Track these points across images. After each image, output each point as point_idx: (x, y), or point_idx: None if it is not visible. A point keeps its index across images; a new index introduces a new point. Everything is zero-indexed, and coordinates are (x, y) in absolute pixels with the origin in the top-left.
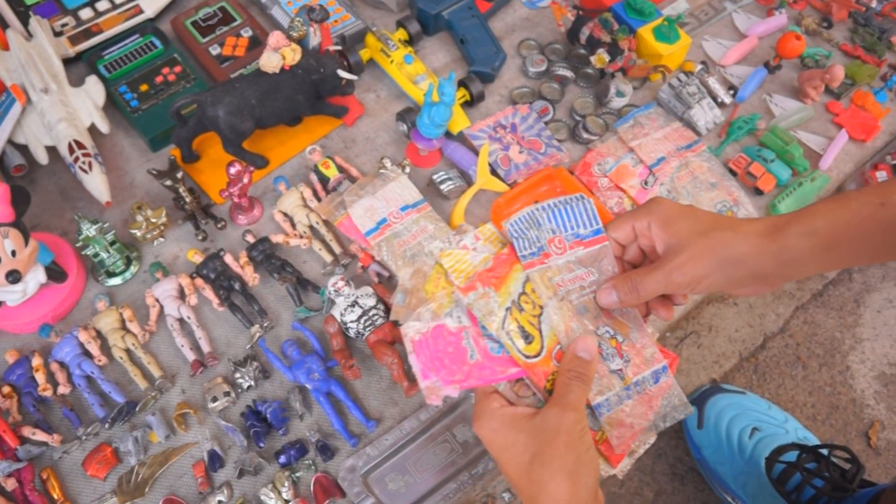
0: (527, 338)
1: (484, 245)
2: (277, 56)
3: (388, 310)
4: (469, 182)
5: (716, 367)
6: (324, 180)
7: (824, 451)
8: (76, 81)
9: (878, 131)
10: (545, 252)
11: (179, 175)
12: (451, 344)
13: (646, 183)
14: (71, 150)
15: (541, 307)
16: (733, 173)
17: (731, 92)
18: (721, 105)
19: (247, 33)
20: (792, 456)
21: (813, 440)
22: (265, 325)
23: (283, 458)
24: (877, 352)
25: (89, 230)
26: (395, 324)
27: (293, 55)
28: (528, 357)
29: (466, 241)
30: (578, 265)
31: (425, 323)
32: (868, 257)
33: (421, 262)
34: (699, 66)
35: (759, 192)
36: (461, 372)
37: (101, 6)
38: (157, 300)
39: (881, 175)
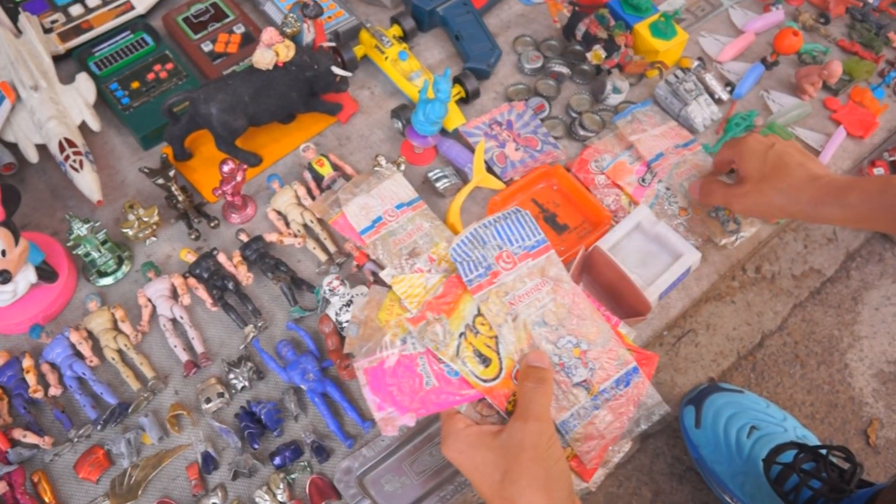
0: (484, 361)
1: (439, 266)
2: (271, 52)
3: None
4: (465, 180)
5: (713, 366)
6: (318, 178)
7: (822, 452)
8: (66, 79)
9: (876, 128)
10: (493, 271)
11: (171, 173)
12: (405, 371)
13: (643, 180)
14: (61, 149)
15: (498, 327)
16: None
17: (729, 88)
18: (718, 102)
19: (239, 30)
20: (789, 456)
21: (812, 439)
22: (259, 325)
23: (277, 460)
24: (875, 350)
25: (80, 229)
26: (350, 356)
27: (287, 52)
28: (486, 381)
29: (420, 264)
30: (529, 278)
31: (378, 353)
32: (885, 229)
33: (373, 290)
34: (696, 63)
35: None
36: (417, 399)
37: (92, 2)
38: (150, 300)
39: (878, 172)
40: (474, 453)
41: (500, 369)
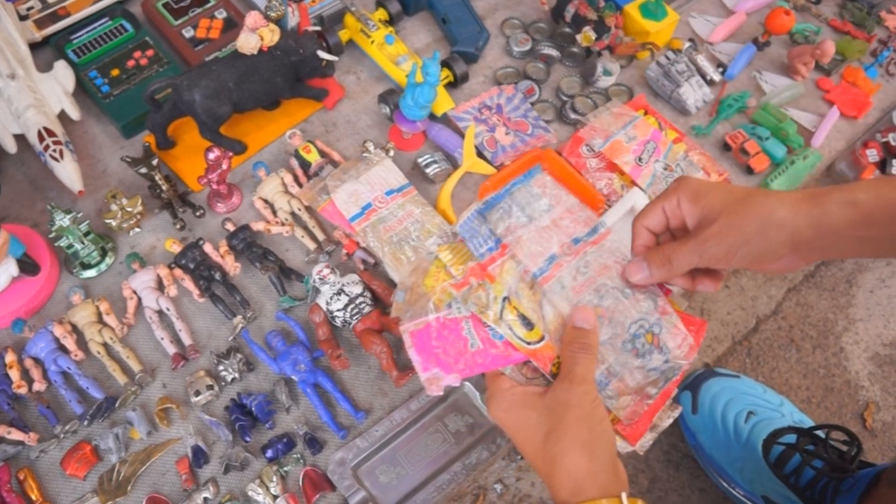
0: (528, 324)
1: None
2: (255, 37)
3: (375, 297)
4: (455, 165)
5: (709, 352)
6: (305, 165)
7: (821, 434)
8: (44, 67)
9: (870, 107)
10: (503, 244)
11: (155, 162)
12: (450, 333)
13: (640, 159)
14: (41, 138)
15: (541, 291)
16: (727, 148)
17: (720, 69)
18: (710, 83)
19: (221, 15)
20: (790, 439)
21: (809, 423)
22: (248, 315)
23: (270, 453)
24: (870, 332)
25: (62, 220)
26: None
27: (271, 36)
28: (530, 343)
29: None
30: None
31: (423, 317)
32: None
33: (419, 258)
34: (687, 44)
35: (750, 170)
36: (462, 360)
37: None
38: (135, 292)
39: (871, 154)
40: (518, 413)
41: (545, 332)
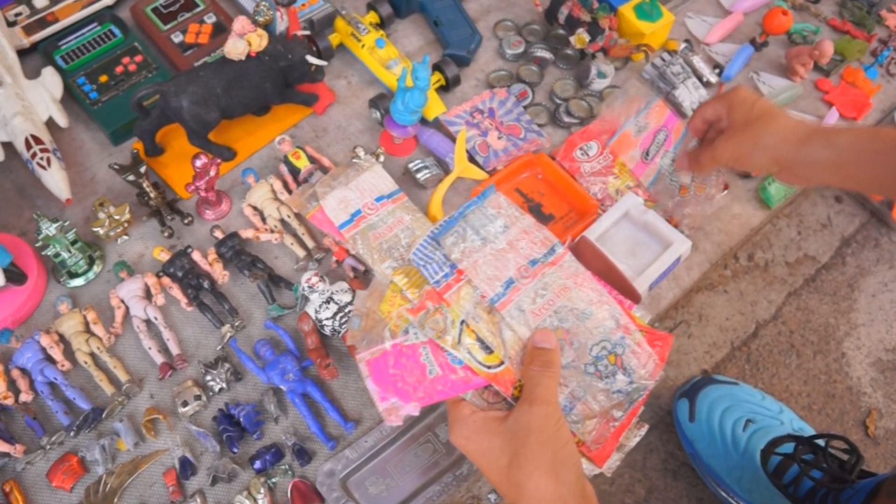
0: (487, 348)
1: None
2: (243, 42)
3: None
4: (446, 170)
5: (707, 358)
6: (294, 172)
7: (821, 442)
8: (32, 73)
9: (870, 109)
10: (459, 269)
11: (143, 169)
12: (408, 360)
13: (647, 154)
14: (28, 146)
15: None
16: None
17: (717, 71)
18: (707, 85)
19: (210, 19)
20: (788, 448)
21: (809, 431)
22: (236, 324)
23: (258, 464)
24: (872, 337)
25: (49, 229)
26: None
27: (259, 41)
28: (490, 367)
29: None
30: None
31: (380, 345)
32: (869, 184)
33: (375, 282)
34: (683, 45)
35: (746, 174)
36: (421, 388)
37: None
38: (123, 301)
39: None
40: (481, 439)
41: (505, 356)
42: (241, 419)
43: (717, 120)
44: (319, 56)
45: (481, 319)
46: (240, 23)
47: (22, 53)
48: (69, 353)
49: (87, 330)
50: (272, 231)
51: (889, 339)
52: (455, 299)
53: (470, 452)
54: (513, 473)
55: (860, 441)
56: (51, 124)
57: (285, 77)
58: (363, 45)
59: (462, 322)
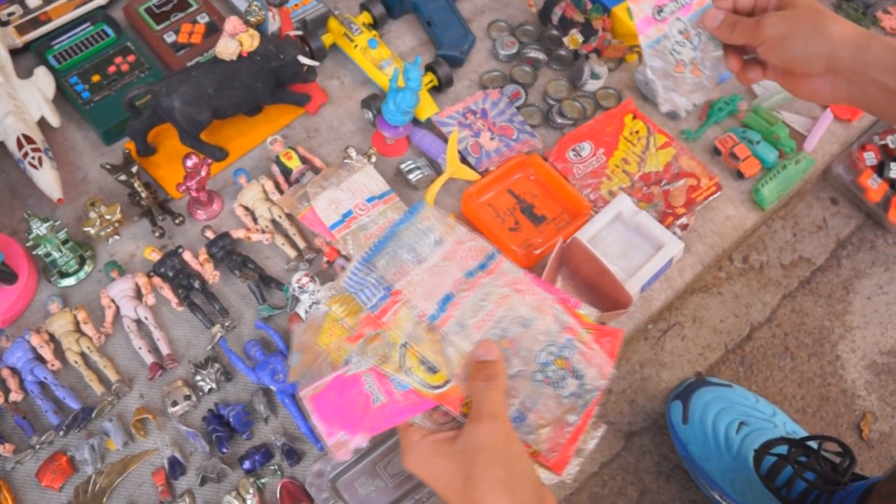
0: (432, 368)
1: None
2: (234, 42)
3: None
4: (438, 171)
5: (701, 360)
6: (286, 172)
7: (814, 445)
8: (24, 73)
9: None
10: (395, 291)
11: (134, 169)
12: (352, 391)
13: (660, 10)
14: (20, 146)
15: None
16: (717, 152)
17: None
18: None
19: (203, 19)
20: (781, 450)
21: (802, 434)
22: (227, 324)
23: (247, 464)
24: (867, 340)
25: (40, 229)
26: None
27: (251, 41)
28: (436, 388)
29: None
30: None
31: (322, 379)
32: None
33: (311, 315)
34: None
35: (740, 175)
36: (367, 418)
37: None
38: (113, 301)
39: (869, 157)
40: (433, 463)
41: (450, 374)
42: (231, 419)
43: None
44: (312, 56)
45: (423, 340)
46: (231, 23)
47: (14, 53)
48: (59, 352)
49: (78, 329)
50: (263, 231)
51: (884, 342)
52: (394, 322)
53: (424, 478)
54: (468, 494)
55: (854, 444)
56: (43, 124)
57: (277, 77)
58: (356, 46)
59: (403, 345)
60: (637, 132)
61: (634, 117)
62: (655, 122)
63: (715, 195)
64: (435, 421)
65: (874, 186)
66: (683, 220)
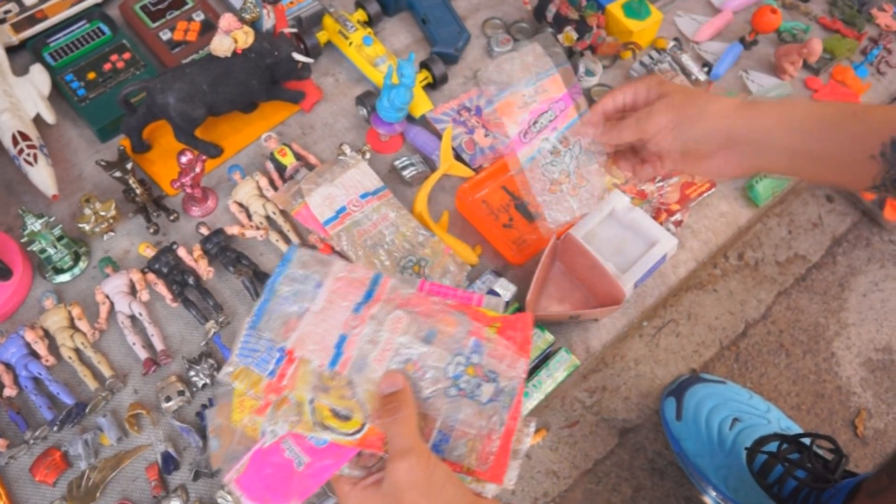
0: (344, 416)
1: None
2: (229, 39)
3: None
4: (432, 168)
5: (695, 357)
6: (280, 169)
7: (806, 441)
8: (20, 70)
9: None
10: (288, 349)
11: (129, 166)
12: (274, 461)
13: (528, 131)
14: (15, 142)
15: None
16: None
17: (706, 69)
18: (695, 83)
19: (199, 17)
20: (773, 447)
21: (796, 430)
22: (221, 320)
23: None
24: (863, 337)
25: (34, 225)
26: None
27: (245, 38)
28: (353, 434)
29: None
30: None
31: (244, 458)
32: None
33: (219, 394)
34: (672, 43)
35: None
36: (294, 484)
37: None
38: (108, 297)
39: None
40: None
41: (364, 417)
42: None
43: (632, 105)
44: (307, 54)
45: (329, 389)
46: (226, 20)
47: (10, 50)
48: (53, 348)
49: (72, 325)
50: (258, 228)
51: (879, 339)
52: (295, 381)
53: None
54: None
55: (849, 441)
56: (38, 121)
57: (272, 74)
58: (351, 43)
59: (311, 401)
60: None
61: None
62: None
63: (709, 192)
64: (363, 466)
65: None
66: (678, 216)
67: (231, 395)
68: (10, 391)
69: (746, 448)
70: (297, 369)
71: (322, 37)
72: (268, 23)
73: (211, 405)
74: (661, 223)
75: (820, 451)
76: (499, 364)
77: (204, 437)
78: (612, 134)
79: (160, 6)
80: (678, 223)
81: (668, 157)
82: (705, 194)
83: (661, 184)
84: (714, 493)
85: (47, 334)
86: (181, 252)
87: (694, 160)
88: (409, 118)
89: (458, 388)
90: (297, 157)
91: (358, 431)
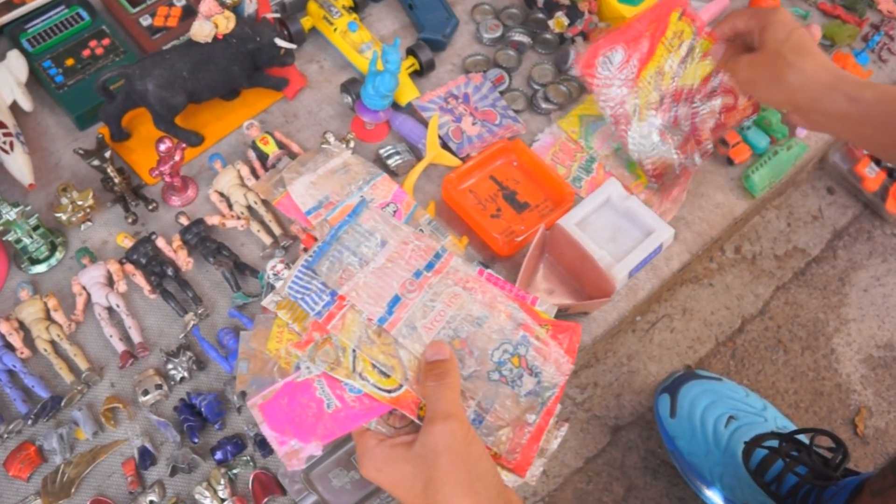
0: (385, 372)
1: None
2: (209, 24)
3: None
4: (419, 157)
5: (690, 353)
6: (262, 157)
7: (805, 440)
8: None
9: None
10: (341, 295)
11: (108, 154)
12: (303, 397)
13: None
14: None
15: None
16: None
17: None
18: None
19: (180, 2)
20: (772, 444)
21: (793, 428)
22: (200, 312)
23: (219, 455)
24: (864, 333)
25: (10, 214)
26: (243, 395)
27: (226, 23)
28: (390, 391)
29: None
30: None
31: (271, 387)
32: (884, 149)
33: (259, 320)
34: None
35: (730, 161)
36: (320, 425)
37: None
38: (84, 288)
39: None
40: (391, 469)
41: (403, 378)
42: (203, 409)
43: (748, 33)
44: (291, 40)
45: (374, 343)
46: (206, 4)
47: None
48: (29, 340)
49: (48, 317)
50: (238, 218)
51: (881, 335)
52: (342, 327)
53: (383, 484)
54: (430, 498)
55: (848, 440)
56: (15, 108)
57: (254, 60)
58: (335, 29)
59: (355, 349)
60: (681, 34)
61: (683, 15)
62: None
63: (751, 117)
64: (392, 425)
65: (871, 175)
66: (708, 145)
67: (271, 323)
68: None
69: (746, 442)
70: (344, 317)
71: (306, 22)
72: (250, 7)
73: (193, 398)
74: (685, 154)
75: (819, 449)
76: (544, 363)
77: (181, 432)
78: (723, 66)
79: None
80: (706, 154)
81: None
82: (745, 121)
83: (696, 105)
84: (709, 493)
85: (22, 326)
86: (160, 242)
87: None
88: (395, 106)
89: (500, 374)
90: (280, 145)
91: (394, 390)
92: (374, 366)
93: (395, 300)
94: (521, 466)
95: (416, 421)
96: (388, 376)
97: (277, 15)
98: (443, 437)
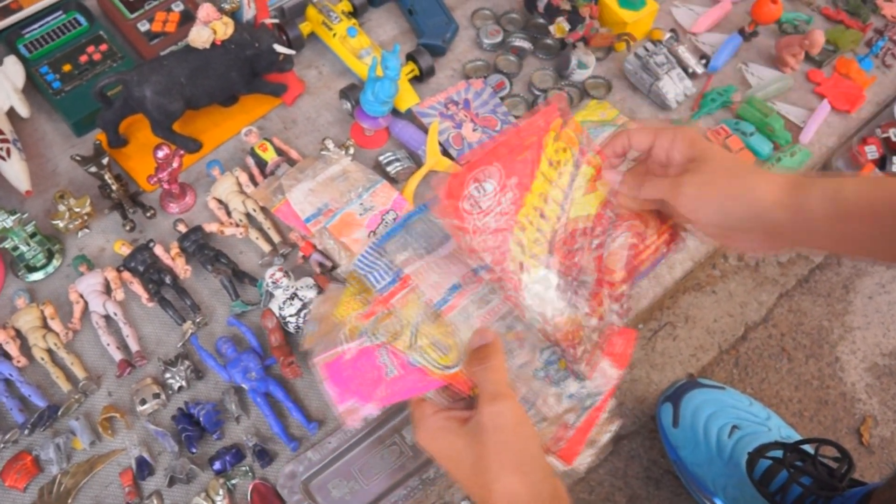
0: (443, 349)
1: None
2: (207, 30)
3: None
4: (419, 163)
5: (693, 361)
6: (261, 164)
7: (809, 449)
8: None
9: (864, 101)
10: (405, 275)
11: (105, 161)
12: (366, 362)
13: (374, 234)
14: None
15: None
16: None
17: (704, 61)
18: (692, 76)
19: (178, 7)
20: (777, 454)
21: (797, 438)
22: (198, 320)
23: (217, 465)
24: (868, 341)
25: (6, 221)
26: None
27: (225, 29)
28: (446, 368)
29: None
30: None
31: (336, 348)
32: (882, 248)
33: (331, 287)
34: (668, 35)
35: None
36: (380, 389)
37: None
38: (82, 296)
39: (870, 150)
40: (444, 440)
41: (459, 358)
42: (201, 418)
43: (648, 154)
44: (289, 45)
45: (433, 323)
46: (204, 10)
47: None
48: (25, 349)
49: (45, 325)
50: (237, 225)
51: (886, 344)
52: (402, 305)
53: (434, 453)
54: (479, 475)
55: (854, 450)
56: (12, 114)
57: (252, 66)
58: (335, 35)
59: (416, 324)
60: (559, 158)
61: (558, 134)
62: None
63: (666, 254)
64: (448, 398)
65: None
66: (624, 288)
67: (342, 290)
68: None
69: (749, 452)
70: (406, 296)
71: (305, 28)
72: (248, 13)
73: (191, 408)
74: (598, 307)
75: (824, 461)
76: (589, 371)
77: (179, 442)
78: (635, 189)
79: None
80: (624, 312)
81: (696, 226)
82: (660, 261)
83: (598, 251)
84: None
85: (19, 334)
86: (158, 250)
87: (725, 235)
88: (395, 112)
89: (546, 373)
90: (279, 152)
91: (452, 367)
92: (432, 344)
93: (455, 287)
94: (567, 455)
95: (473, 397)
96: (445, 354)
97: (276, 20)
98: (493, 418)
